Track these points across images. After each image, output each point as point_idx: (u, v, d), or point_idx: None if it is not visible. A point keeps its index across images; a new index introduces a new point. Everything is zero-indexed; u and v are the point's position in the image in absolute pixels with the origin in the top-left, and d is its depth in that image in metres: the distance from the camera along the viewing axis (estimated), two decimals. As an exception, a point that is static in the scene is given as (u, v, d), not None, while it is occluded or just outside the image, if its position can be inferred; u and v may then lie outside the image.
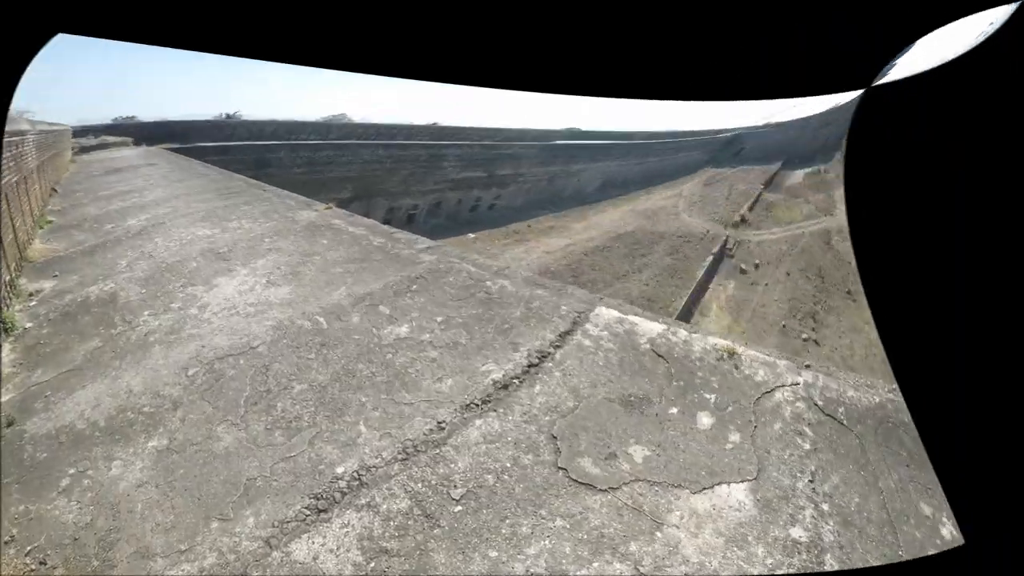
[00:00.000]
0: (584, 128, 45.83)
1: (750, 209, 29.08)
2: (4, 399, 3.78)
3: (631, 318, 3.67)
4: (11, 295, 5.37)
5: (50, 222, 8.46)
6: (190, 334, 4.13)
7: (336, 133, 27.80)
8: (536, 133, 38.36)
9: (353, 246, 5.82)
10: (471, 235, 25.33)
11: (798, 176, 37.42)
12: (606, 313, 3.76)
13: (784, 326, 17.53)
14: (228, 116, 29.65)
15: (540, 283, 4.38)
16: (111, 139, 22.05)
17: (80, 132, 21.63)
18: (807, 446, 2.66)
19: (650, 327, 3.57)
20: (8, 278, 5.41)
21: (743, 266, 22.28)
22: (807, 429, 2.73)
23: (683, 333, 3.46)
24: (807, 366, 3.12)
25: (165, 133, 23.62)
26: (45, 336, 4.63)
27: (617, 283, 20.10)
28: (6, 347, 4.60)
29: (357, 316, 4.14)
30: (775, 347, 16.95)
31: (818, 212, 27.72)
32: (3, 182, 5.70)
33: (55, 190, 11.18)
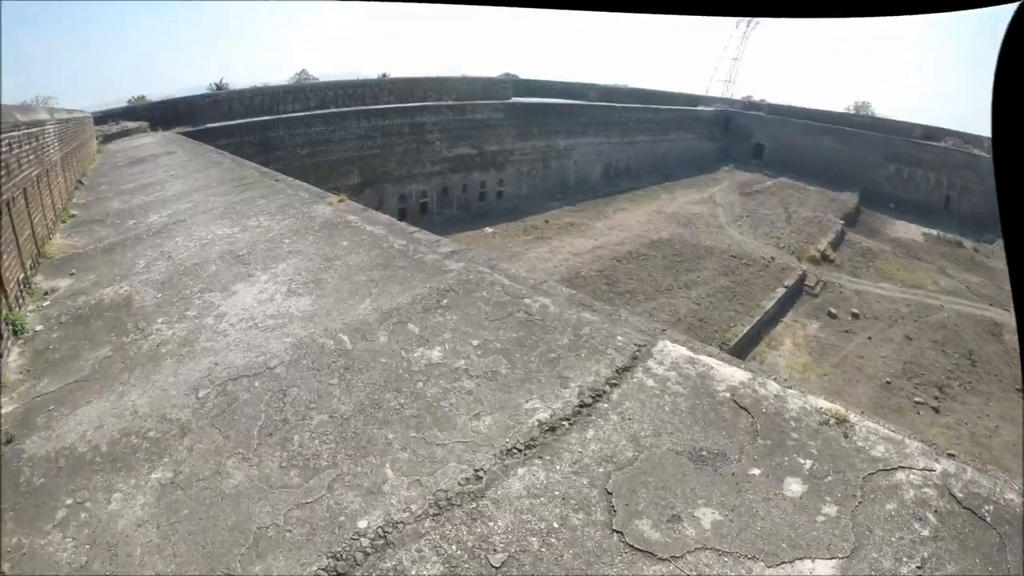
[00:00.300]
0: (523, 76, 43.24)
1: (834, 248, 26.35)
2: (7, 410, 3.58)
3: (705, 359, 3.23)
4: (25, 294, 5.22)
5: (73, 216, 8.39)
6: (204, 348, 3.87)
7: (315, 100, 28.01)
8: (483, 82, 35.42)
9: (374, 249, 5.54)
10: (488, 229, 25.17)
11: (912, 233, 31.76)
12: (673, 349, 3.34)
13: (888, 383, 16.04)
14: (217, 87, 30.51)
15: (587, 304, 4.02)
16: (130, 125, 22.54)
17: (100, 118, 22.15)
18: (925, 532, 2.25)
19: (730, 372, 3.14)
20: (22, 276, 5.26)
21: (833, 310, 20.43)
22: (931, 516, 2.31)
23: (774, 386, 3.01)
24: (950, 455, 2.64)
25: (174, 114, 24.42)
26: (55, 341, 4.44)
27: (660, 297, 18.94)
28: (15, 351, 4.43)
29: (384, 335, 3.84)
30: (868, 398, 15.83)
31: (972, 295, 23.79)
32: (21, 176, 5.56)
33: (81, 182, 11.18)
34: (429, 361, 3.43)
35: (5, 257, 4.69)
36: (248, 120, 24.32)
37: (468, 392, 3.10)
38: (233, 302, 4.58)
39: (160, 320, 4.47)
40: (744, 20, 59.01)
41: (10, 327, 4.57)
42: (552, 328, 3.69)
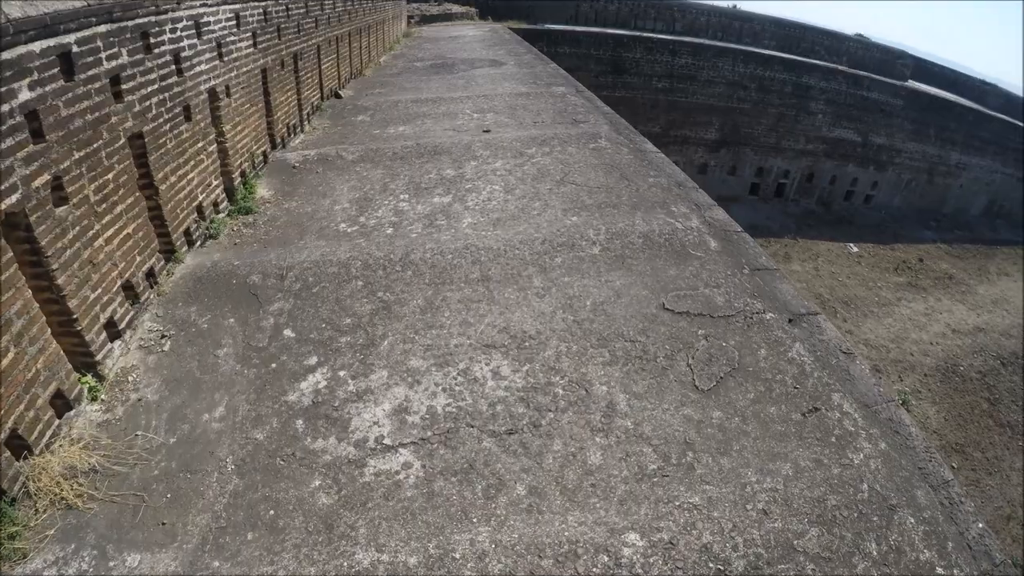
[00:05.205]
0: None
1: None
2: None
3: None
4: None
5: (248, 212, 4.46)
6: None
7: (681, 22, 24.97)
8: (880, 50, 27.75)
9: None
10: (853, 248, 20.59)
11: None
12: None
13: None
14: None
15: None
16: (455, 8, 20.92)
17: (426, -4, 20.72)
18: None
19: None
20: None
21: None
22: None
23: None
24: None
25: (508, 5, 22.54)
26: None
27: (1048, 451, 12.42)
28: None
29: None
30: None
31: None
32: None
33: (338, 95, 7.89)
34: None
35: None
36: (599, 30, 21.05)
37: None
38: None
39: None
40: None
41: None
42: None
